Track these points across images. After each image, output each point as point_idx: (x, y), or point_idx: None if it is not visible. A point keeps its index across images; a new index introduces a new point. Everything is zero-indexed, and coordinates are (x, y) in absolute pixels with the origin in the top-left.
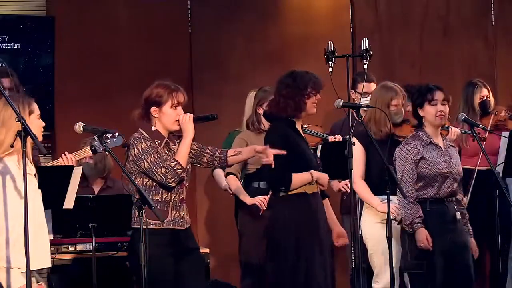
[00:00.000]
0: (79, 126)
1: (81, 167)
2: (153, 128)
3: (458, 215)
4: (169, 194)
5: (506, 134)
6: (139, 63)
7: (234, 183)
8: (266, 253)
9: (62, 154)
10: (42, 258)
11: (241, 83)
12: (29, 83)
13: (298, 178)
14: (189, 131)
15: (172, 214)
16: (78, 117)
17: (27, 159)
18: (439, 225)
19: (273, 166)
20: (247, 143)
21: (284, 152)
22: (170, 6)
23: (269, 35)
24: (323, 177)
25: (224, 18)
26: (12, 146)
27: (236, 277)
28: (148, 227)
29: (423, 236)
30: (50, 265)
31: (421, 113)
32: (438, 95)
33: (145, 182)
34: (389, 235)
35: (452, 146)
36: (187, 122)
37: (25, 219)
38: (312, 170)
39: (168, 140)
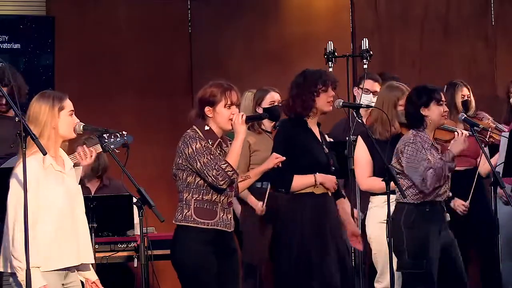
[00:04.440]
0: (79, 126)
1: (81, 167)
2: (206, 128)
3: (447, 216)
4: (218, 195)
5: (506, 134)
6: (139, 63)
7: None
8: (274, 253)
9: (79, 148)
10: (85, 255)
11: (241, 83)
12: (29, 83)
13: (300, 181)
14: (241, 132)
15: (220, 216)
16: (78, 117)
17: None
18: (436, 225)
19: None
20: (250, 144)
21: (283, 158)
22: (170, 6)
23: (269, 35)
24: (329, 180)
25: (224, 18)
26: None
27: None
28: (197, 225)
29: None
30: (93, 261)
31: (424, 112)
32: (443, 96)
33: (196, 181)
34: (389, 235)
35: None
36: (239, 123)
37: (25, 219)
38: (317, 174)
39: (221, 140)
